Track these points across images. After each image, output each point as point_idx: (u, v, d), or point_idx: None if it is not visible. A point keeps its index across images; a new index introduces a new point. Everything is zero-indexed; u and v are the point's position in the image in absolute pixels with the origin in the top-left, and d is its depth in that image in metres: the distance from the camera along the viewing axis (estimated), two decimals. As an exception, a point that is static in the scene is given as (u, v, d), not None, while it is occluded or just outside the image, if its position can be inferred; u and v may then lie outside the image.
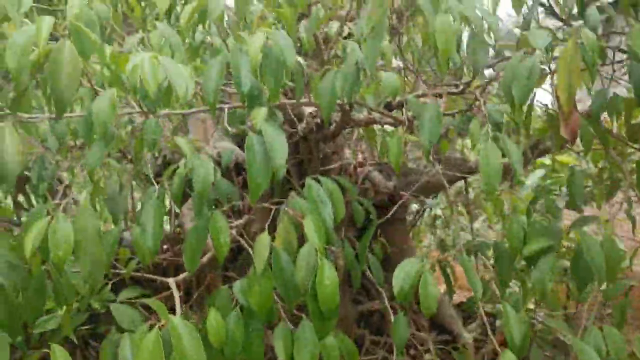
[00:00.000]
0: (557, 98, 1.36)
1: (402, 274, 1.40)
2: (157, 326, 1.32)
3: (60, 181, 2.98)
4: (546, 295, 1.40)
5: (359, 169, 2.64)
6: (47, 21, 1.17)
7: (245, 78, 1.39)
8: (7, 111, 1.29)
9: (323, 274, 1.35)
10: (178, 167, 1.73)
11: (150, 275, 1.98)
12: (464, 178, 2.57)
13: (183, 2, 1.73)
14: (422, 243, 3.89)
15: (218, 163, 2.40)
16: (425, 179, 2.50)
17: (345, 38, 2.10)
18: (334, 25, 1.96)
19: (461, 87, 1.86)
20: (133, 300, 1.96)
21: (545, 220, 1.49)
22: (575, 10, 1.54)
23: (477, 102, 1.75)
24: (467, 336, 2.67)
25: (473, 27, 1.41)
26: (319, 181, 1.56)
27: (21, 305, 1.47)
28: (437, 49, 1.40)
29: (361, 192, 2.48)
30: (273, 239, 2.07)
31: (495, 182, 1.30)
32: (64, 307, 1.92)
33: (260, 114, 1.33)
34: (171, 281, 1.85)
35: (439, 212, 3.75)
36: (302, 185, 2.28)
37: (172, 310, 2.10)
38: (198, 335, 1.34)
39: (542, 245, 1.43)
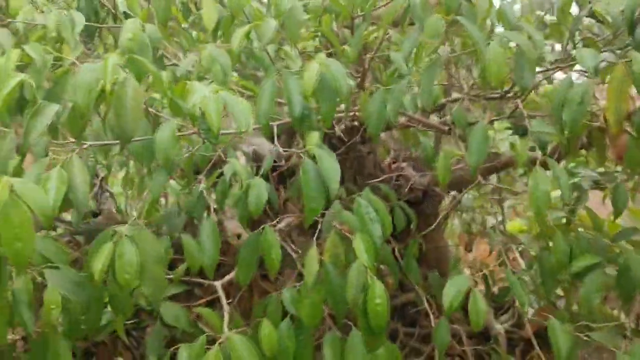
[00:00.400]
0: (605, 120, 1.38)
1: (453, 291, 1.44)
2: (218, 343, 1.39)
3: (97, 175, 3.05)
4: (593, 312, 1.44)
5: (393, 166, 2.67)
6: (113, 59, 1.21)
7: (296, 101, 1.43)
8: (70, 139, 1.35)
9: (374, 293, 1.39)
10: (222, 173, 1.77)
11: (197, 279, 2.04)
12: (497, 171, 2.60)
13: (229, 13, 1.75)
14: (450, 225, 3.93)
15: (254, 161, 2.44)
16: (459, 174, 2.52)
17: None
18: (374, 33, 1.97)
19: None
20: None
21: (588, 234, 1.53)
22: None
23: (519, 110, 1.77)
24: (499, 327, 2.71)
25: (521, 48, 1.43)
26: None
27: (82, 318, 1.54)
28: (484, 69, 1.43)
29: (395, 189, 2.51)
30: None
31: (544, 207, 1.34)
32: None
33: (313, 138, 1.37)
34: (218, 285, 1.91)
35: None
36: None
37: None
38: (256, 351, 1.40)
39: (589, 262, 1.47)
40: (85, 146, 1.34)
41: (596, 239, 1.54)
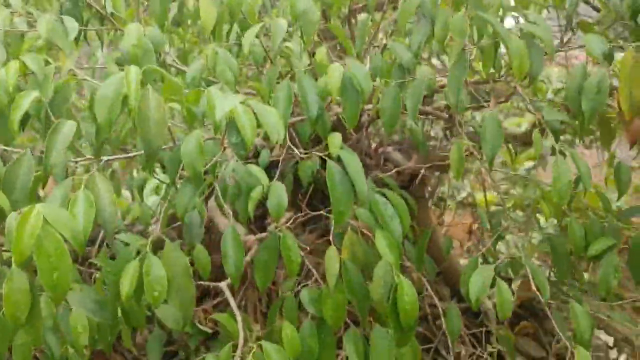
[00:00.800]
0: (619, 106, 1.41)
1: (479, 282, 1.45)
2: (252, 352, 1.37)
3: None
4: (611, 292, 1.49)
5: (379, 149, 2.67)
6: (135, 71, 1.15)
7: (312, 102, 1.41)
8: (88, 155, 1.29)
9: (403, 290, 1.39)
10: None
11: (203, 282, 2.00)
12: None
13: (224, 11, 1.69)
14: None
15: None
16: (445, 155, 2.53)
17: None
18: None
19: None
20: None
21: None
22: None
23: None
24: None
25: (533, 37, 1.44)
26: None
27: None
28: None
29: (383, 173, 2.51)
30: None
31: (566, 198, 1.37)
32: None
33: (336, 141, 1.35)
34: (224, 285, 1.88)
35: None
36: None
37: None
38: (288, 356, 1.40)
39: (605, 244, 1.52)
40: (102, 161, 1.29)
41: (609, 221, 1.59)
